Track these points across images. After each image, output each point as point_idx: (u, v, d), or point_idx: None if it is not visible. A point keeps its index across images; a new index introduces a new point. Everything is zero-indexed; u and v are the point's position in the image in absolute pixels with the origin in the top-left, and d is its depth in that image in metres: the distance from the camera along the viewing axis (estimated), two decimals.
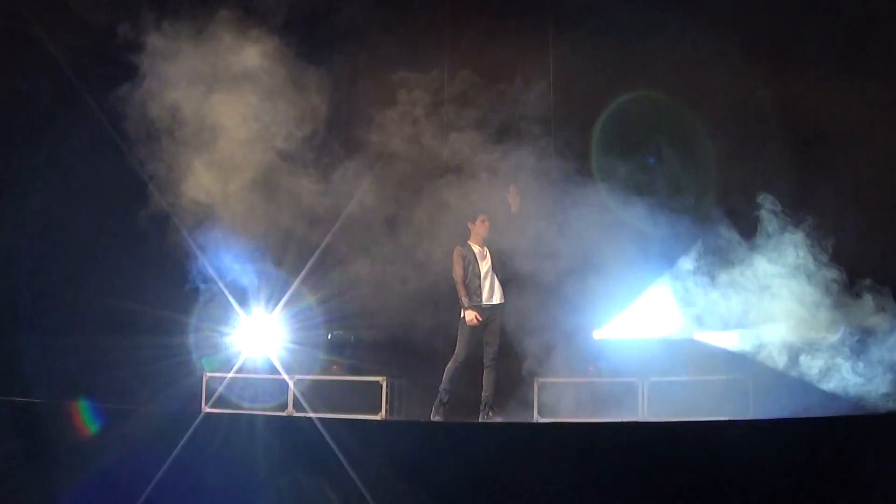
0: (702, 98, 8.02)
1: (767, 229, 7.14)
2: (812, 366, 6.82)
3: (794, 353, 6.92)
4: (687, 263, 7.45)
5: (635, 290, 7.87)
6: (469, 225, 7.80)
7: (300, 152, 8.16)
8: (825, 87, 7.66)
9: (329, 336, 8.55)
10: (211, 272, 8.18)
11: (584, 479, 6.27)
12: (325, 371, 8.28)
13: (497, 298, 7.68)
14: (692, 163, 7.97)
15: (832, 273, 6.91)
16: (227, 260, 8.22)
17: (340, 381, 8.07)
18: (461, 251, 7.72)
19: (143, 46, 7.91)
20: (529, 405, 7.56)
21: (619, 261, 7.56)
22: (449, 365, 7.60)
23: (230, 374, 8.09)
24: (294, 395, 7.81)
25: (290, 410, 7.77)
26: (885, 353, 6.66)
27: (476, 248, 7.76)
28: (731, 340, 7.32)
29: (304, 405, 7.74)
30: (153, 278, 8.50)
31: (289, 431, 7.20)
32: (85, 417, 7.57)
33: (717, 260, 7.31)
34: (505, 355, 7.68)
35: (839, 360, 6.74)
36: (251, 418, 7.38)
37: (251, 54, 7.97)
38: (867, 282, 6.84)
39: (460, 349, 7.59)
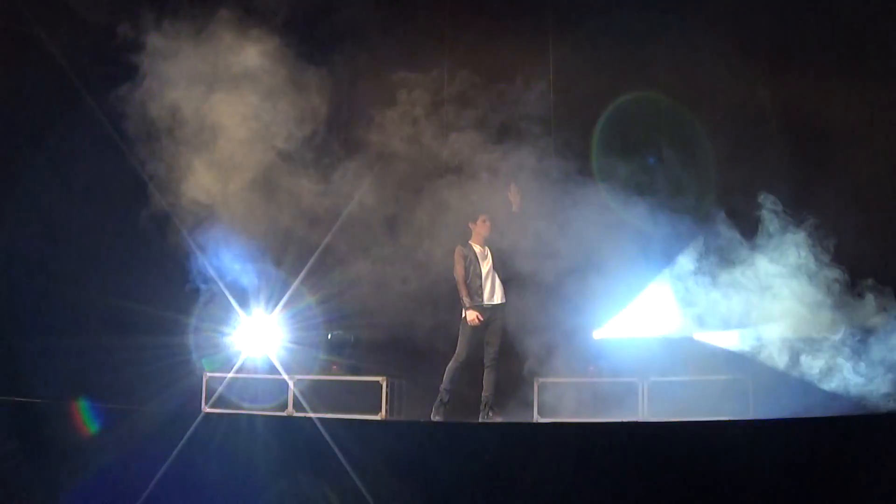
0: (702, 98, 8.03)
1: (769, 229, 7.14)
2: (813, 366, 6.82)
3: (794, 353, 6.92)
4: (688, 263, 7.45)
5: (635, 290, 7.87)
6: (470, 225, 7.80)
7: (300, 152, 8.16)
8: (825, 87, 7.66)
9: (329, 336, 8.54)
10: (211, 272, 8.18)
11: (584, 479, 6.27)
12: (325, 371, 8.27)
13: (498, 298, 7.68)
14: (692, 163, 7.97)
15: (834, 273, 6.91)
16: (227, 260, 8.22)
17: (340, 381, 8.06)
18: (462, 251, 7.72)
19: (143, 46, 7.91)
20: (529, 405, 7.56)
21: (620, 261, 7.56)
22: (450, 365, 7.59)
23: (230, 374, 8.08)
24: (294, 395, 7.81)
25: (290, 410, 7.76)
26: (886, 353, 6.65)
27: (477, 248, 7.76)
28: (731, 340, 7.32)
29: (304, 405, 7.73)
30: (153, 278, 8.49)
31: (289, 431, 7.20)
32: (85, 417, 7.56)
33: (718, 260, 7.31)
34: (505, 355, 7.68)
35: (840, 360, 6.74)
36: (251, 418, 7.37)
37: (251, 54, 7.96)
38: (869, 282, 6.84)
39: (461, 349, 7.59)
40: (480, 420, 7.48)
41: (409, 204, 8.06)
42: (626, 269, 7.61)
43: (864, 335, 6.75)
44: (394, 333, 8.19)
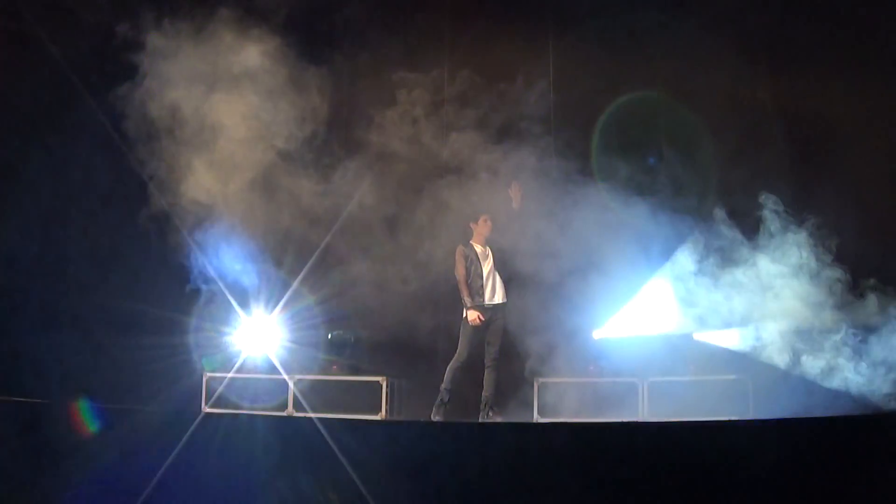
0: (702, 98, 8.02)
1: (770, 229, 7.14)
2: (814, 365, 6.81)
3: (795, 353, 6.91)
4: (688, 263, 7.45)
5: (636, 290, 7.86)
6: (471, 225, 7.79)
7: (300, 152, 8.17)
8: (826, 87, 7.66)
9: (329, 336, 8.54)
10: (211, 272, 8.17)
11: (584, 479, 6.26)
12: (325, 371, 8.26)
13: (499, 298, 7.67)
14: (693, 163, 7.97)
15: (835, 273, 6.90)
16: (227, 260, 8.22)
17: (340, 381, 8.06)
18: (463, 251, 7.71)
19: (143, 46, 7.91)
20: (529, 405, 7.56)
21: (620, 260, 7.56)
22: (451, 365, 7.59)
23: (230, 374, 8.08)
24: (294, 395, 7.81)
25: (290, 410, 7.76)
26: (887, 353, 6.65)
27: (478, 248, 7.75)
28: (731, 340, 7.31)
29: (304, 405, 7.73)
30: (154, 278, 8.49)
31: (289, 431, 7.18)
32: (85, 417, 7.55)
33: (720, 259, 7.30)
34: (506, 355, 7.67)
35: (841, 360, 6.74)
36: (251, 418, 7.36)
37: (251, 54, 7.97)
38: (870, 281, 6.83)
39: (462, 349, 7.58)
40: (480, 420, 7.48)
41: (410, 204, 8.06)
42: (626, 269, 7.61)
43: (865, 335, 6.75)
44: (394, 333, 8.18)
